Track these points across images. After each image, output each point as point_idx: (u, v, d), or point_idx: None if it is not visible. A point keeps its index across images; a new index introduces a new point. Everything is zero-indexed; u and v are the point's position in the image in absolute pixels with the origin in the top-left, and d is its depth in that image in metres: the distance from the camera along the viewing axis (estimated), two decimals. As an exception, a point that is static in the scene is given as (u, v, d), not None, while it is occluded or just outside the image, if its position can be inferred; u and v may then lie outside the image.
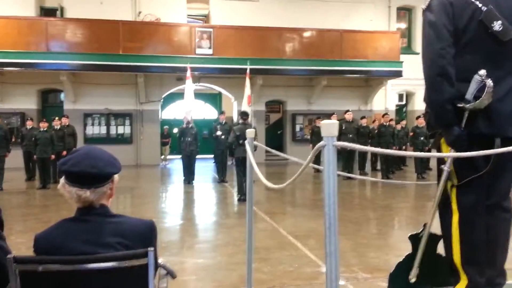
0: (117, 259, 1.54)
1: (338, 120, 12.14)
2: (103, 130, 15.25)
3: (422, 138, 11.21)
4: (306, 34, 15.40)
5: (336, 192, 1.46)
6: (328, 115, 13.47)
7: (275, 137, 16.99)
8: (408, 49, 17.28)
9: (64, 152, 10.89)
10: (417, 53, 17.19)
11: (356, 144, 1.67)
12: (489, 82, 2.04)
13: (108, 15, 14.15)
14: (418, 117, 11.87)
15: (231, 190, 9.73)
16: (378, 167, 12.34)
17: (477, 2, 2.11)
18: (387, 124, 11.54)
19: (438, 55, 2.11)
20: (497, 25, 2.09)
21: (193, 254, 4.78)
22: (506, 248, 2.31)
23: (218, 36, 14.43)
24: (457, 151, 2.14)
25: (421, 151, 11.28)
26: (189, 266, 4.38)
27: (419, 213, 7.32)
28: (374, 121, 12.99)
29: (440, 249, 2.55)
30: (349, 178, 10.85)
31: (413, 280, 2.55)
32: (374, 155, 12.56)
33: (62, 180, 1.64)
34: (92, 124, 15.21)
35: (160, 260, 1.88)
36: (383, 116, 12.27)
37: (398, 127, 12.46)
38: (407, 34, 17.97)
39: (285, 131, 16.89)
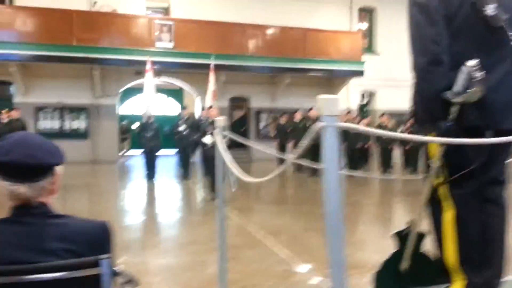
0: (64, 269, 1.24)
1: (302, 117, 12.13)
2: (56, 124, 14.41)
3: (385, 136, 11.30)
4: (270, 31, 15.25)
5: (340, 192, 1.23)
6: (292, 112, 13.40)
7: (239, 134, 16.70)
8: (369, 50, 17.51)
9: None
10: (378, 54, 17.49)
11: (360, 126, 1.43)
12: (480, 74, 1.86)
13: (60, 4, 13.34)
14: (382, 115, 11.99)
15: (195, 187, 9.38)
16: (342, 163, 12.36)
17: None
18: (351, 122, 11.55)
19: (431, 41, 1.91)
20: (490, 9, 1.93)
21: (157, 254, 4.44)
22: (502, 247, 2.17)
23: (179, 30, 13.99)
24: (445, 147, 1.97)
25: (384, 149, 11.41)
26: (152, 267, 4.05)
27: (386, 208, 7.31)
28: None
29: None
30: (315, 174, 10.78)
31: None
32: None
33: None
34: (45, 118, 14.33)
35: (118, 267, 1.57)
36: (347, 113, 12.31)
37: (362, 124, 12.52)
38: (368, 35, 18.22)
39: (249, 128, 16.66)
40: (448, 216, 2.07)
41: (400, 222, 6.12)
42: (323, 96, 1.28)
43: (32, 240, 1.28)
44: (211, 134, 7.27)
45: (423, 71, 1.96)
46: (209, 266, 4.01)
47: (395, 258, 2.52)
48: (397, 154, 12.84)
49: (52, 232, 1.31)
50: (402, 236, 2.53)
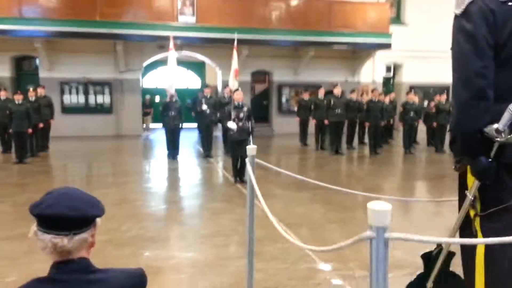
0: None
1: (325, 93, 11.92)
2: (82, 99, 14.61)
3: (412, 114, 11.07)
4: (294, 2, 14.80)
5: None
6: (315, 87, 13.18)
7: (260, 108, 16.62)
8: (396, 20, 16.86)
9: (41, 124, 10.41)
10: (406, 25, 16.82)
11: (412, 236, 1.39)
12: None
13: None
14: (408, 92, 11.68)
15: (216, 166, 9.48)
16: (366, 140, 12.21)
17: None
18: (376, 99, 11.30)
19: (476, 74, 1.80)
20: None
21: (180, 247, 4.54)
22: None
23: (201, 3, 13.73)
24: (482, 182, 1.91)
25: (410, 126, 11.19)
26: (176, 262, 4.15)
27: (407, 194, 7.23)
28: (362, 94, 12.73)
29: (453, 266, 2.38)
30: (337, 153, 10.71)
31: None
32: (362, 129, 12.39)
33: (33, 226, 1.35)
34: (70, 93, 14.54)
35: None
36: (372, 91, 12.03)
37: (386, 100, 12.23)
38: (397, 4, 17.49)
39: (271, 102, 16.53)
40: (480, 250, 2.02)
41: (419, 213, 6.03)
42: (373, 206, 1.29)
43: None
44: (236, 119, 7.24)
45: (465, 105, 1.86)
46: (234, 262, 4.09)
47: (422, 279, 2.51)
48: (422, 131, 12.60)
49: None
50: (430, 257, 2.50)
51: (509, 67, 1.85)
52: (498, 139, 1.81)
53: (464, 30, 1.84)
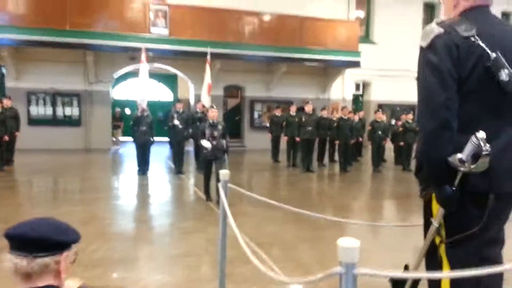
0: None
1: (297, 110, 12.10)
2: (49, 110, 14.22)
3: (380, 133, 11.35)
4: (266, 18, 15.03)
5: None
6: (287, 103, 13.34)
7: (233, 124, 16.67)
8: (365, 39, 17.35)
9: (6, 137, 10.07)
10: (375, 43, 17.35)
11: (380, 271, 1.42)
12: (487, 148, 1.87)
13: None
14: (376, 111, 11.98)
15: (187, 183, 9.40)
16: (336, 158, 12.41)
17: (484, 46, 1.92)
18: (346, 117, 11.54)
19: (442, 106, 1.89)
20: (504, 74, 1.91)
21: (149, 269, 4.46)
22: None
23: (174, 15, 13.74)
24: (446, 210, 2.00)
25: (378, 144, 11.46)
26: (146, 284, 4.07)
27: (376, 215, 7.35)
28: (332, 112, 12.97)
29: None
30: (308, 170, 10.83)
31: None
32: (332, 146, 12.60)
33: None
34: (37, 104, 14.13)
35: None
36: (342, 109, 12.27)
37: (356, 118, 12.49)
38: (365, 23, 18.03)
39: (243, 117, 16.59)
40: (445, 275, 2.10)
41: (387, 232, 6.12)
42: (342, 243, 1.34)
43: None
44: (210, 138, 7.20)
45: (430, 136, 1.95)
46: (205, 285, 4.05)
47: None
48: (389, 149, 12.91)
49: None
50: (397, 282, 2.57)
51: (471, 99, 1.95)
52: (462, 168, 1.91)
53: (430, 63, 1.93)
